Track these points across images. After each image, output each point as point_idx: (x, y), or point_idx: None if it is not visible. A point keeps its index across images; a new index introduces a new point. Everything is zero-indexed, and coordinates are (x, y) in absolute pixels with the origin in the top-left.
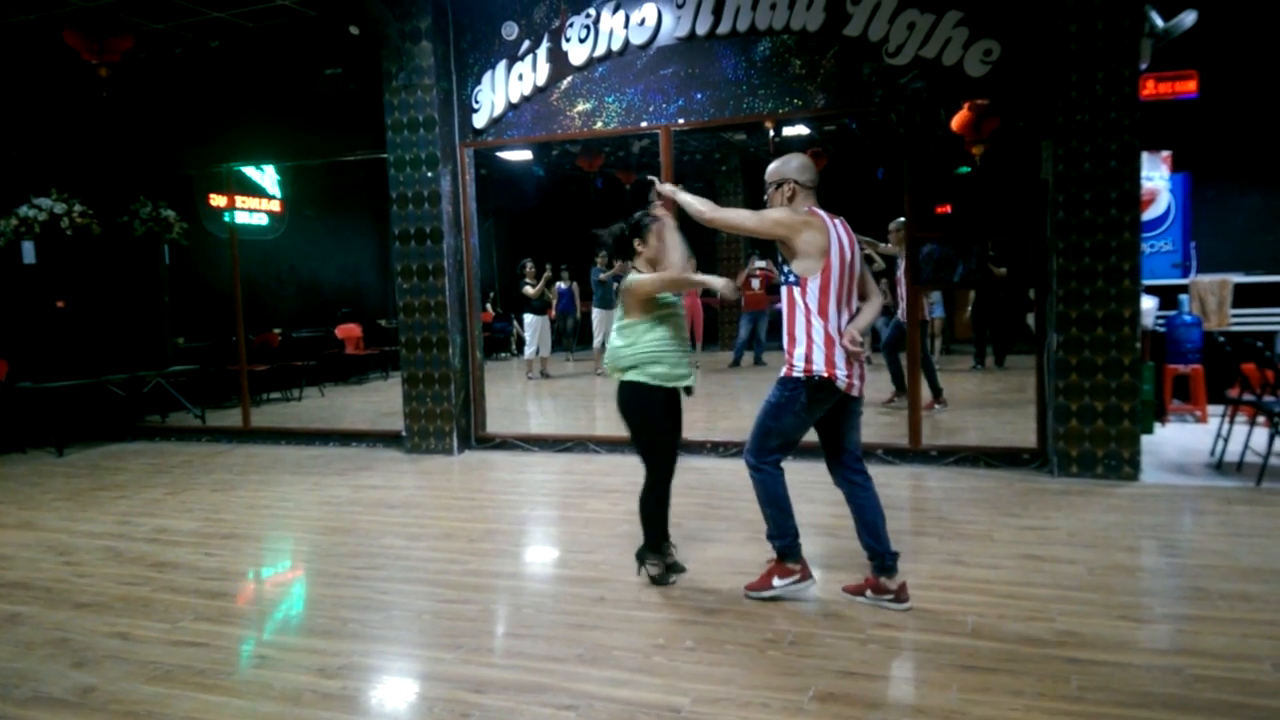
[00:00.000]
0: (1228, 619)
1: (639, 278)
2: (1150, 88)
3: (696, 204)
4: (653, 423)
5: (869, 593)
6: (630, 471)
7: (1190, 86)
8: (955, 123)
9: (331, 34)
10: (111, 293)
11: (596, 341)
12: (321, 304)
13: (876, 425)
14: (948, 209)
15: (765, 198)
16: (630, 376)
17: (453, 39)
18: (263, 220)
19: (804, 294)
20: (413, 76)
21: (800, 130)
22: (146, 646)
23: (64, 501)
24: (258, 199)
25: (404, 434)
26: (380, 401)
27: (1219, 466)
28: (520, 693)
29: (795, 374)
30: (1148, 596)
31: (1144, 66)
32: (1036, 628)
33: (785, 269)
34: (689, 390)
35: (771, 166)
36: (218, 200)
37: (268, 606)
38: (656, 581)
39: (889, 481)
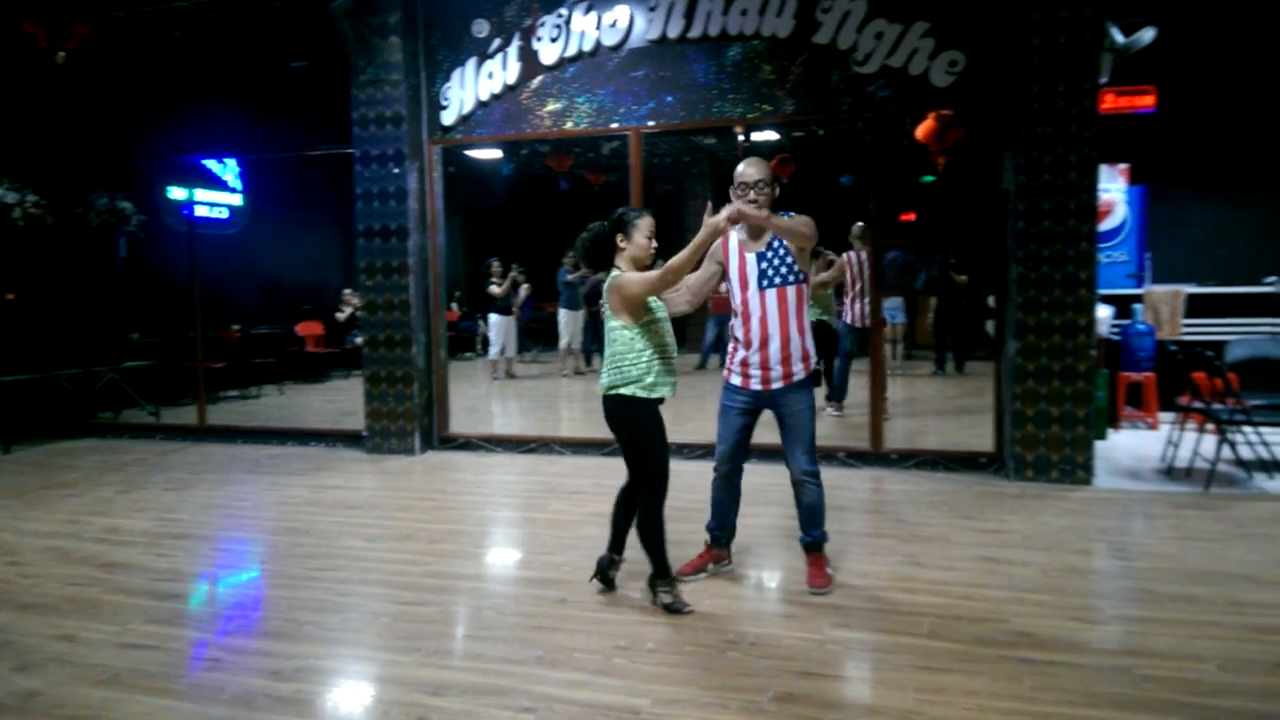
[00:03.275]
0: (1175, 620)
1: (628, 275)
2: (1109, 101)
3: (788, 226)
4: (657, 439)
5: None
6: (594, 473)
7: (1148, 101)
8: (920, 132)
9: (297, 26)
10: (64, 285)
11: (563, 343)
12: (282, 300)
13: (839, 429)
14: (912, 216)
15: (753, 197)
16: (627, 391)
17: (422, 35)
18: (223, 214)
19: (802, 293)
20: (380, 72)
21: (769, 135)
22: (94, 649)
23: (10, 499)
24: (218, 192)
25: (365, 433)
26: (341, 400)
27: (1169, 472)
28: (479, 695)
29: (810, 370)
30: (1099, 598)
31: (1104, 81)
32: (991, 629)
33: (792, 267)
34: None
35: (762, 166)
36: (176, 193)
37: (221, 608)
38: (671, 610)
39: (850, 484)
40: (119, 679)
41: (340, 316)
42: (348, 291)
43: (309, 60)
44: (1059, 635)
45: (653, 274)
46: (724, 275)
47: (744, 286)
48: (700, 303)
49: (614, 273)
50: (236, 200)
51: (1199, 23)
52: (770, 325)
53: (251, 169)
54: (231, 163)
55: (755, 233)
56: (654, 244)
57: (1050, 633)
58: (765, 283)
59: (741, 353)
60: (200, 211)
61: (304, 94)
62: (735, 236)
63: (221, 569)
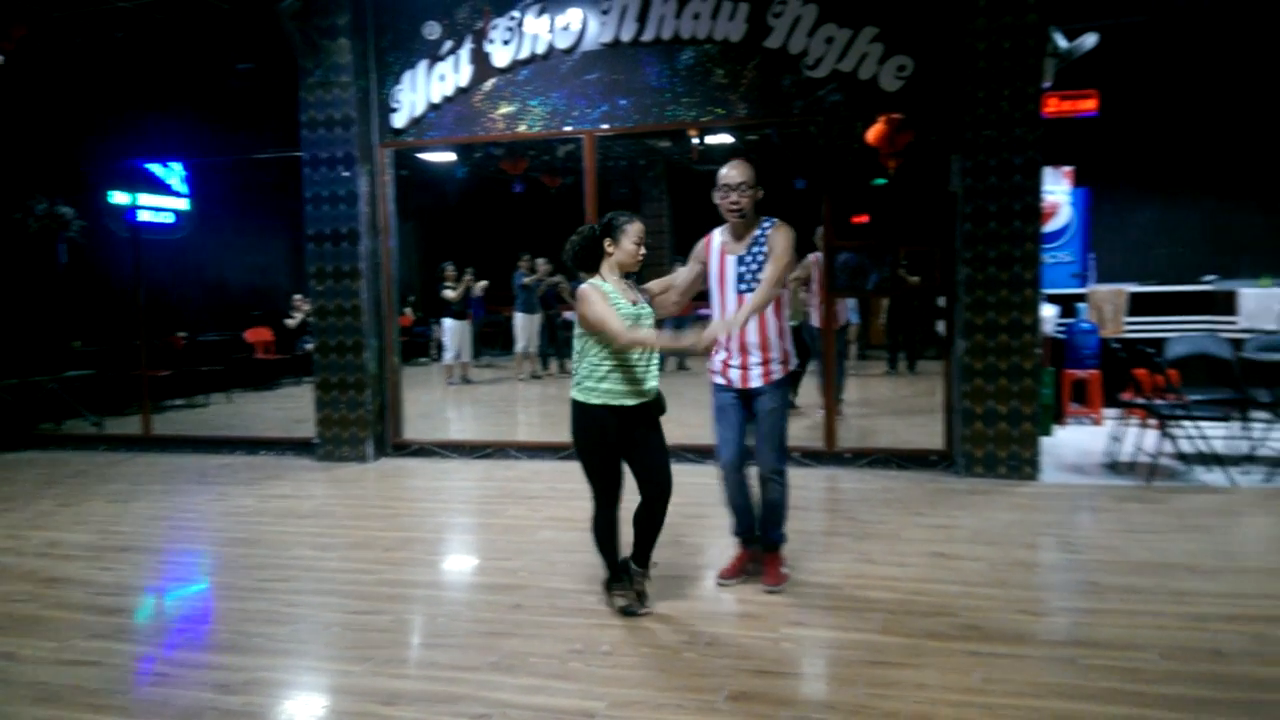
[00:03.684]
0: (1118, 611)
1: (598, 307)
2: (1053, 105)
3: (759, 300)
4: (585, 444)
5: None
6: (551, 477)
7: (1091, 105)
8: (871, 135)
9: (244, 27)
10: (2, 293)
11: (519, 347)
12: (231, 306)
13: (793, 428)
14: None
15: (734, 199)
16: (576, 393)
17: (372, 37)
18: (168, 218)
19: (781, 297)
20: (330, 74)
21: (724, 139)
22: (33, 667)
23: None
24: (163, 196)
25: (316, 441)
26: (292, 408)
27: (1113, 466)
28: (432, 703)
29: (789, 371)
30: (1045, 591)
31: (1047, 85)
32: (941, 623)
33: (755, 271)
34: (658, 407)
35: (745, 168)
36: (119, 197)
37: (166, 622)
38: (625, 613)
39: (805, 483)
40: (59, 697)
41: (290, 323)
42: (298, 297)
43: (256, 62)
44: (1007, 627)
45: (620, 330)
46: (704, 274)
47: (723, 289)
48: (687, 302)
49: (594, 280)
50: (182, 204)
51: (1139, 29)
52: (749, 328)
53: (198, 173)
54: (177, 166)
55: (737, 235)
56: (642, 250)
57: (998, 625)
58: (744, 286)
59: (722, 354)
60: (144, 216)
61: (251, 96)
62: (719, 238)
63: (167, 582)
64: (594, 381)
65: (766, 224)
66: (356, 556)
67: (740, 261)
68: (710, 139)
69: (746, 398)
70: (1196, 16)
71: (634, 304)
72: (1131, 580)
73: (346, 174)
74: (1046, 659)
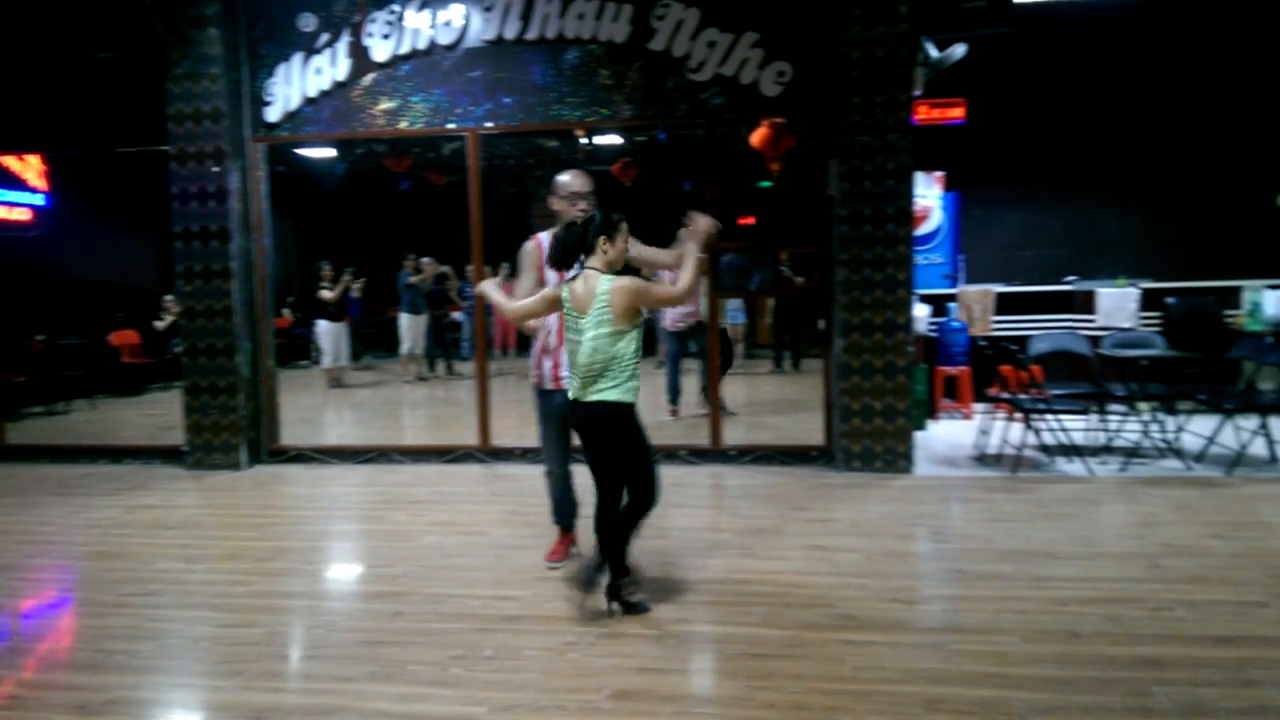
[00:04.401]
0: (985, 597)
1: (649, 286)
2: (923, 113)
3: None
4: (644, 440)
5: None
6: (435, 481)
7: (959, 113)
8: (755, 139)
9: (105, 14)
10: None
11: (404, 348)
12: (94, 308)
13: (680, 427)
14: (752, 220)
15: (584, 207)
16: (619, 396)
17: (244, 27)
18: (24, 215)
19: None
20: (198, 65)
21: (613, 139)
22: None
23: None
24: (18, 192)
25: (185, 449)
26: (160, 414)
27: (981, 459)
28: (306, 716)
29: None
30: (917, 579)
31: (918, 93)
32: (818, 614)
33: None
34: None
35: (589, 177)
36: None
37: (20, 641)
38: (640, 609)
39: (691, 481)
40: None
41: (160, 325)
42: (169, 298)
43: (119, 51)
44: (879, 616)
45: (684, 281)
46: (540, 281)
47: None
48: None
49: (611, 276)
50: (40, 200)
51: (1004, 41)
52: None
53: (58, 167)
54: (34, 160)
55: None
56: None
57: (871, 614)
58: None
59: (549, 360)
60: None
61: (115, 87)
62: (550, 244)
63: (21, 599)
64: (634, 380)
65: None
66: (227, 568)
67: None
68: (599, 139)
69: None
70: (1057, 28)
71: None
72: (997, 567)
73: (216, 169)
74: (916, 645)
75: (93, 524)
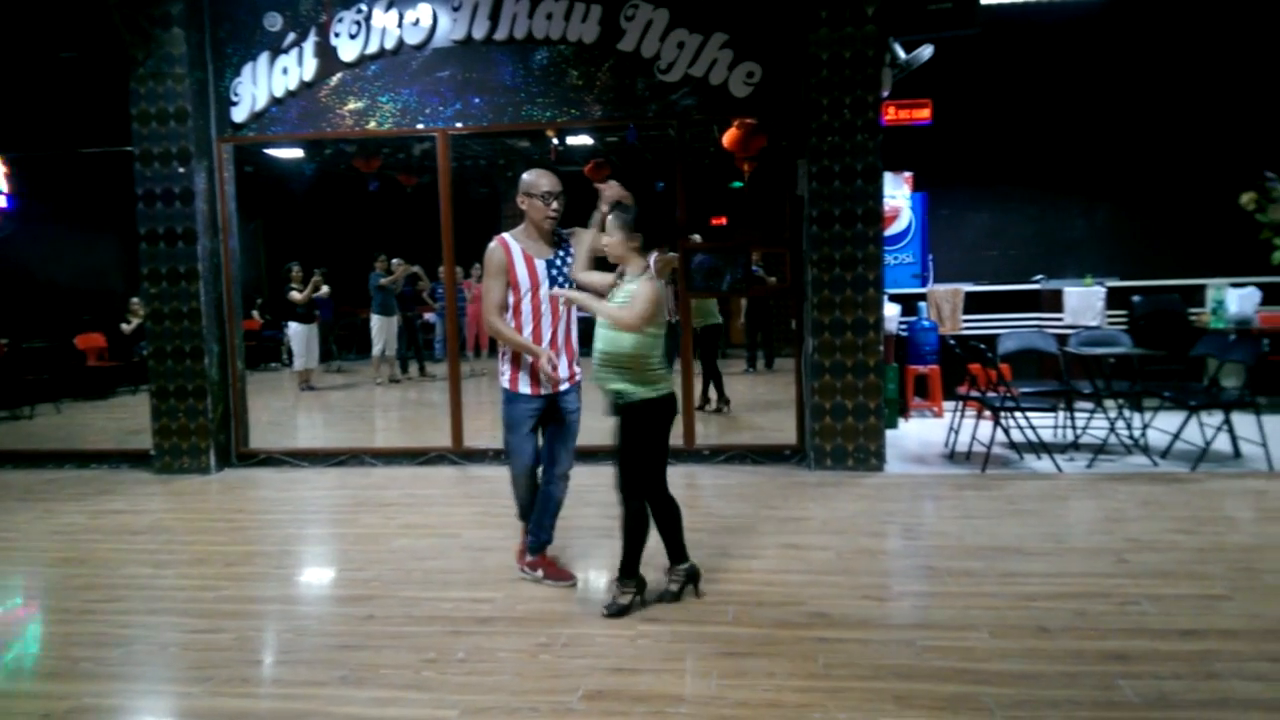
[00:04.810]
0: (954, 593)
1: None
2: (891, 114)
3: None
4: (661, 435)
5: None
6: (408, 483)
7: (925, 114)
8: (726, 140)
9: (68, 12)
10: None
11: (376, 350)
12: (58, 310)
13: None
14: (723, 221)
15: (557, 207)
16: (662, 391)
17: (209, 26)
18: None
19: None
20: (162, 64)
21: (584, 140)
22: None
23: None
24: None
25: (153, 453)
26: (126, 418)
27: (951, 456)
28: None
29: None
30: (887, 576)
31: (886, 94)
32: (790, 612)
33: (568, 276)
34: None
35: (556, 178)
36: None
37: None
38: (626, 610)
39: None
40: None
41: (126, 328)
42: (135, 300)
43: (82, 50)
44: (851, 614)
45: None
46: (510, 285)
47: (536, 291)
48: None
49: (645, 276)
50: (2, 202)
51: (970, 42)
52: (560, 327)
53: (20, 168)
54: None
55: (546, 239)
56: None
57: (843, 612)
58: (555, 288)
59: (528, 359)
60: None
61: (78, 87)
62: (516, 245)
63: None
64: (664, 373)
65: (563, 230)
66: (196, 573)
67: (550, 264)
68: (570, 140)
69: (552, 401)
70: (1022, 30)
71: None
72: (967, 564)
73: (182, 170)
74: (887, 642)
75: (58, 530)
